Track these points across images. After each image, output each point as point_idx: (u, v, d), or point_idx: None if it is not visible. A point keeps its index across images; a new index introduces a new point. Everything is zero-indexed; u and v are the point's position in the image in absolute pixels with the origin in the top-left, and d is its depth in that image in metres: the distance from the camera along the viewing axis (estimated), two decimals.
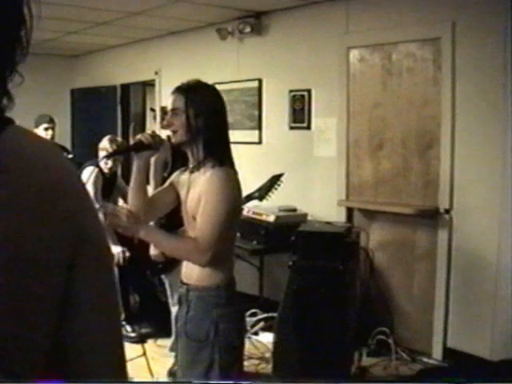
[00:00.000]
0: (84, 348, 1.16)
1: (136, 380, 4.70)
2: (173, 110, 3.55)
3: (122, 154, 6.27)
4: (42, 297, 1.05)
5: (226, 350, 3.38)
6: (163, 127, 4.10)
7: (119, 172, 7.64)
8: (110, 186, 6.68)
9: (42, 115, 7.76)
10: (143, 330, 6.68)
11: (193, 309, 3.42)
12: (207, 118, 3.46)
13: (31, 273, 1.02)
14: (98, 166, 6.51)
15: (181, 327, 3.50)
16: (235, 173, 3.53)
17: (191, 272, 3.47)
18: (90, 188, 6.32)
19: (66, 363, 1.16)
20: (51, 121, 7.69)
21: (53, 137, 7.73)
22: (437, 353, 6.09)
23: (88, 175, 6.39)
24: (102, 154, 6.48)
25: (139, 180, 3.54)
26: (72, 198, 1.10)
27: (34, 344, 1.07)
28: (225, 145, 3.56)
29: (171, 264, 5.25)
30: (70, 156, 7.32)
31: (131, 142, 3.82)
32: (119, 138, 6.99)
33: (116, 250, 6.42)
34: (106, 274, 1.19)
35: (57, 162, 1.12)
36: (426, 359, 6.10)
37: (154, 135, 3.53)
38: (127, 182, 4.77)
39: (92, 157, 6.77)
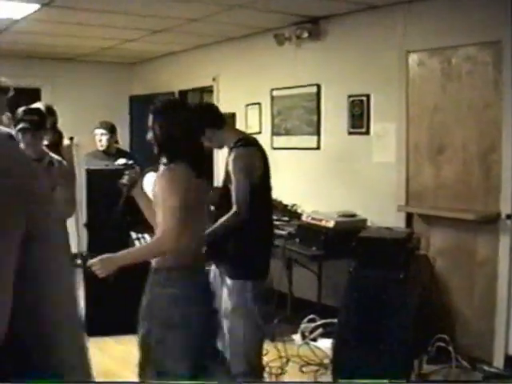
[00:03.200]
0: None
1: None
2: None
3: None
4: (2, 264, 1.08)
5: (162, 329, 3.87)
6: None
7: None
8: None
9: (100, 121, 7.86)
10: None
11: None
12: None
13: None
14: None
15: None
16: (185, 167, 3.97)
17: None
18: (150, 194, 6.37)
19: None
20: (105, 127, 7.77)
21: (110, 143, 7.81)
22: (498, 361, 6.00)
23: (149, 181, 6.44)
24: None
25: (144, 203, 4.29)
26: (21, 166, 1.15)
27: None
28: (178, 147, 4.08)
29: None
30: (131, 162, 7.37)
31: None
32: None
33: None
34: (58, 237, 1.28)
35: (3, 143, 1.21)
36: (486, 367, 6.01)
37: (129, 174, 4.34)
38: None
39: (151, 163, 6.80)
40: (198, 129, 4.25)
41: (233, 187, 4.91)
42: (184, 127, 4.09)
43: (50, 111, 6.28)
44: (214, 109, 5.38)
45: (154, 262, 4.02)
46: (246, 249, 4.99)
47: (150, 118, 4.24)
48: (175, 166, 3.96)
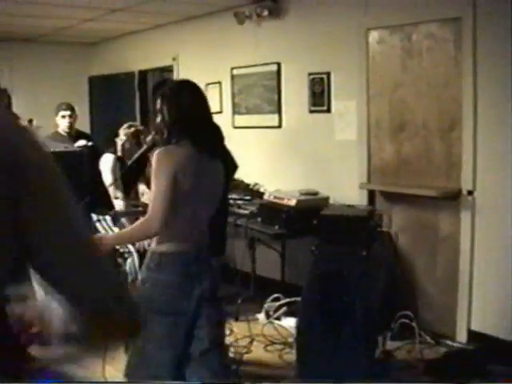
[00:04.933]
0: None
1: None
2: None
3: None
4: None
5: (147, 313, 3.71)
6: None
7: None
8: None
9: (62, 103, 7.78)
10: None
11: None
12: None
13: None
14: (115, 153, 6.53)
15: None
16: (190, 148, 3.86)
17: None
18: (108, 175, 6.34)
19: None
20: (69, 109, 7.71)
21: (71, 124, 7.75)
22: (461, 336, 6.06)
23: (106, 162, 6.41)
24: (119, 140, 6.49)
25: None
26: (15, 135, 1.20)
27: None
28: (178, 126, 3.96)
29: None
30: (91, 143, 7.32)
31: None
32: (137, 124, 6.96)
33: None
34: (55, 198, 1.29)
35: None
36: (450, 342, 6.06)
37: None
38: None
39: (111, 144, 6.75)
40: (207, 108, 4.12)
41: None
42: (194, 107, 4.03)
43: (3, 92, 6.19)
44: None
45: (152, 245, 3.99)
46: None
47: (158, 101, 4.07)
48: (171, 147, 3.85)
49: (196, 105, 4.03)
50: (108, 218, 6.01)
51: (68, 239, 1.27)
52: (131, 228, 4.12)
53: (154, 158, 3.82)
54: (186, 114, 3.93)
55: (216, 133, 4.12)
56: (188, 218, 3.86)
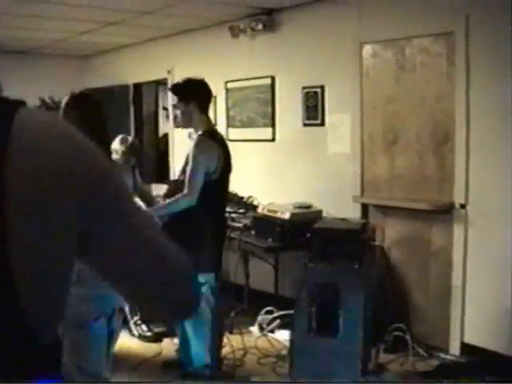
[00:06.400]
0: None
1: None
2: None
3: None
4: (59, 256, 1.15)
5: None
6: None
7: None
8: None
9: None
10: (159, 329, 6.66)
11: None
12: None
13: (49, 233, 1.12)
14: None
15: None
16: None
17: None
18: None
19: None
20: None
21: None
22: (454, 348, 6.07)
23: None
24: (114, 154, 6.49)
25: None
26: (80, 164, 1.18)
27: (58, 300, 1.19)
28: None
29: None
30: None
31: None
32: (130, 138, 6.96)
33: None
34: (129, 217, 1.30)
35: (63, 134, 1.21)
36: (443, 355, 6.07)
37: None
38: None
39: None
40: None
41: (187, 172, 5.12)
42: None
43: None
44: (211, 93, 5.59)
45: None
46: (199, 242, 5.02)
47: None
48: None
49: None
50: None
51: (132, 244, 1.28)
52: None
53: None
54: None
55: None
56: None
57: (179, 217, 5.12)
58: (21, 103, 1.15)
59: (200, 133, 5.28)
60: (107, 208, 1.23)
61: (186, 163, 5.20)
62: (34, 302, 1.08)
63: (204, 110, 5.38)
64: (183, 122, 5.40)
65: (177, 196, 5.17)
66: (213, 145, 5.23)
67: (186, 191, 5.09)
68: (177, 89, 5.42)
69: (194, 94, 5.31)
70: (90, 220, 1.18)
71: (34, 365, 1.11)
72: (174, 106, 5.47)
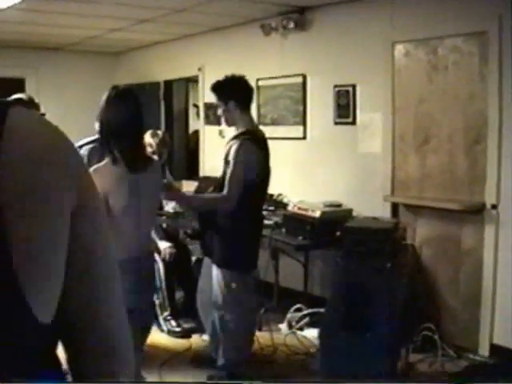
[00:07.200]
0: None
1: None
2: None
3: None
4: (56, 240, 1.15)
5: None
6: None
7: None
8: None
9: None
10: (188, 325, 6.70)
11: None
12: None
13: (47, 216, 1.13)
14: None
15: None
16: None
17: None
18: None
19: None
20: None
21: None
22: (483, 349, 6.05)
23: None
24: (148, 148, 6.54)
25: None
26: (71, 155, 1.22)
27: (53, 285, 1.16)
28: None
29: None
30: None
31: None
32: (160, 132, 7.01)
33: (163, 245, 6.49)
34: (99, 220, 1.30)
35: (56, 133, 1.23)
36: (472, 356, 6.05)
37: None
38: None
39: None
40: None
41: (228, 175, 5.06)
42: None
43: (32, 102, 6.26)
44: (252, 92, 5.64)
45: None
46: (235, 240, 5.04)
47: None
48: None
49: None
50: None
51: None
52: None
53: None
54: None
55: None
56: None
57: (217, 214, 5.14)
58: (13, 103, 1.16)
59: (241, 131, 5.25)
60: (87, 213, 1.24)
61: (226, 162, 5.16)
62: (30, 271, 1.08)
63: (244, 108, 5.31)
64: (225, 121, 5.39)
65: (215, 196, 5.21)
66: (255, 148, 5.20)
67: (225, 194, 5.06)
68: (215, 87, 5.35)
69: (233, 92, 5.23)
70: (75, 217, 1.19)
71: (34, 348, 1.13)
72: (217, 105, 5.48)
